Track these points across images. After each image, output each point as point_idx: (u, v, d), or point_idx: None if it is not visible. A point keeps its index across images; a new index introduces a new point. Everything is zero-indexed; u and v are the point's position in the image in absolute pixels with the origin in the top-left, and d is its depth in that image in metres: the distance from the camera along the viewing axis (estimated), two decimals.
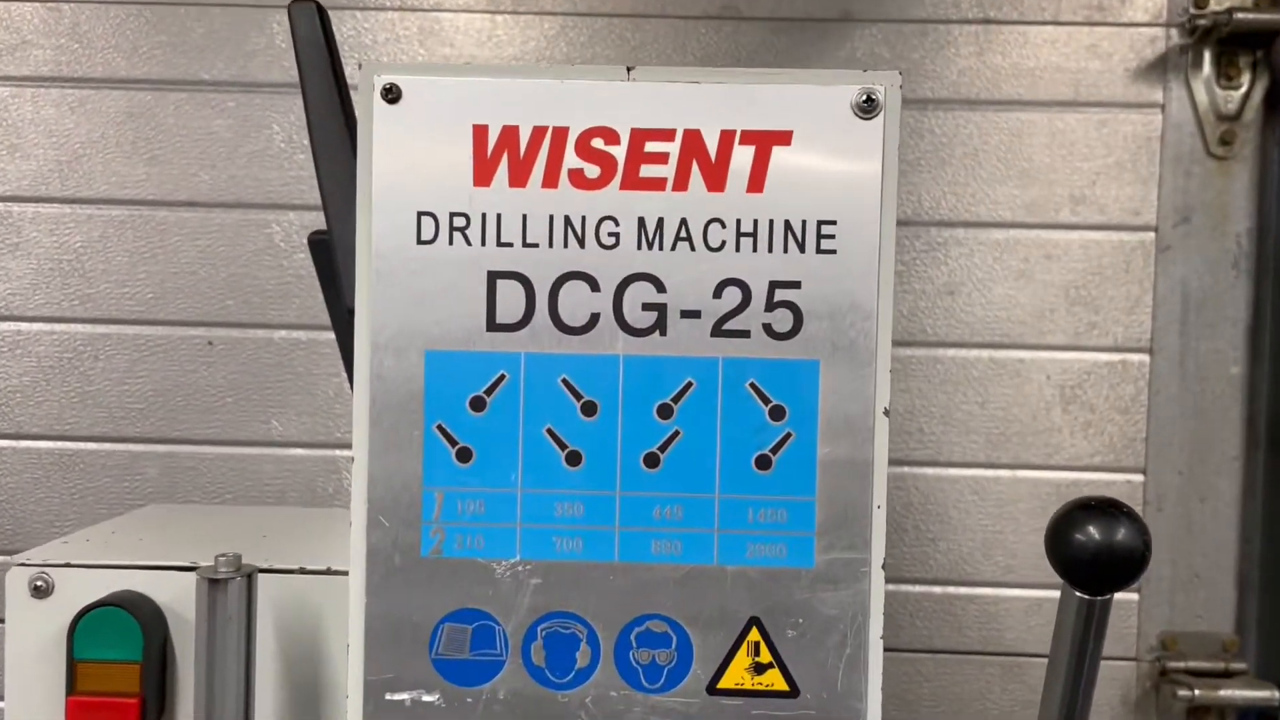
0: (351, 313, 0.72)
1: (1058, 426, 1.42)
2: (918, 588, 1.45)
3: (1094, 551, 0.56)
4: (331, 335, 1.45)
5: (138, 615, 0.64)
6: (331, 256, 0.73)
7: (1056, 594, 1.49)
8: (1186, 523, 1.42)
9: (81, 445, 1.53)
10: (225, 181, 1.45)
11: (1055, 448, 1.42)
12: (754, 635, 0.54)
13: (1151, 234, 1.40)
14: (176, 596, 0.66)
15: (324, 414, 1.46)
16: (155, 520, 0.90)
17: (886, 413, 0.53)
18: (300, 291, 1.46)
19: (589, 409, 0.54)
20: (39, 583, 0.67)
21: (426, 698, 0.54)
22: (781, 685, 0.54)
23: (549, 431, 0.54)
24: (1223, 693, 1.37)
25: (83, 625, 0.64)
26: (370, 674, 0.54)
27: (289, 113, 1.45)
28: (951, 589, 1.44)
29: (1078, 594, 0.59)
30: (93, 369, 1.47)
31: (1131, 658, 1.43)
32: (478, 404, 0.54)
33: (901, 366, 1.42)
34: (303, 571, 0.67)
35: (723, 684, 0.54)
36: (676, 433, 0.54)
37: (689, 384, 0.54)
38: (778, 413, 0.53)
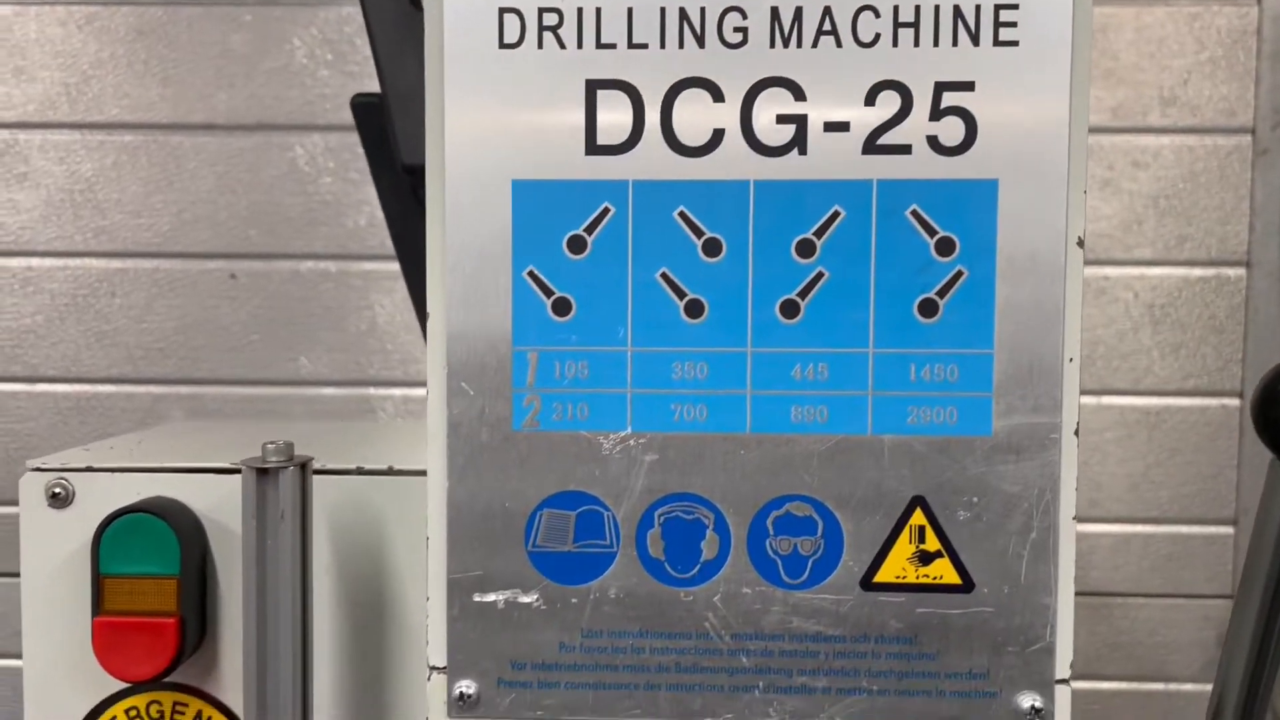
0: (409, 170, 0.62)
1: (1146, 348, 1.32)
2: None
3: None
4: (363, 266, 1.35)
5: (173, 523, 0.55)
6: (380, 118, 0.64)
7: (1145, 530, 1.38)
8: None
9: (99, 388, 1.44)
10: (244, 102, 1.36)
11: (1143, 371, 1.32)
12: (918, 519, 0.44)
13: (1248, 137, 1.29)
14: (217, 504, 0.57)
15: (356, 350, 1.37)
16: (186, 431, 0.81)
17: (1081, 243, 0.44)
18: (327, 219, 1.37)
19: (712, 248, 0.44)
20: (57, 489, 0.57)
21: (523, 598, 0.45)
22: (952, 578, 0.44)
23: (664, 276, 0.44)
24: None
25: (109, 535, 0.55)
26: (454, 572, 0.45)
27: (310, 26, 1.35)
28: None
29: None
30: (109, 306, 1.38)
31: (1226, 595, 1.34)
32: (577, 244, 0.45)
33: None
34: (360, 472, 0.58)
35: (880, 577, 0.45)
36: (820, 274, 0.44)
37: (835, 213, 0.44)
38: (946, 246, 0.44)
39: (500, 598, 0.45)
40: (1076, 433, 0.44)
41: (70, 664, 0.58)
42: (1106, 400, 1.32)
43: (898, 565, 0.45)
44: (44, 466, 0.58)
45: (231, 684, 0.58)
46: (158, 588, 0.55)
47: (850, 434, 0.44)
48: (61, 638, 0.58)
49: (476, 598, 0.45)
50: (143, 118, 1.36)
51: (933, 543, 0.44)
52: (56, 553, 0.58)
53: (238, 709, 0.58)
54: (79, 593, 0.57)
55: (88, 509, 0.57)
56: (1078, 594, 1.37)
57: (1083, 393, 1.40)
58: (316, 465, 0.54)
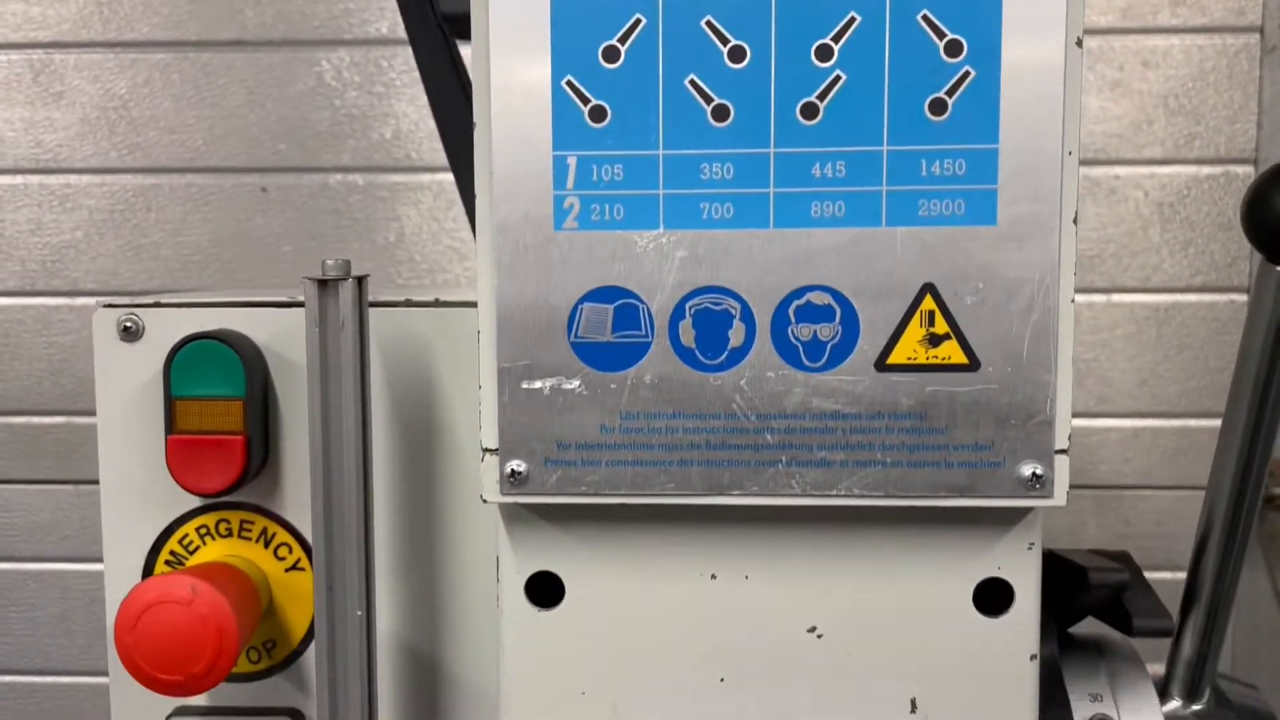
0: (448, 19, 0.66)
1: (1155, 246, 1.35)
2: None
3: None
4: (390, 179, 1.39)
5: (238, 349, 0.59)
6: None
7: (1154, 424, 1.42)
8: None
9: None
10: (271, 18, 1.39)
11: (1153, 269, 1.35)
12: (928, 304, 0.48)
13: (1256, 35, 1.32)
14: (276, 336, 0.62)
15: (384, 259, 1.41)
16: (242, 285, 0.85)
17: (1080, 42, 0.47)
18: (354, 132, 1.40)
19: (737, 54, 0.48)
20: (128, 324, 0.62)
21: (566, 384, 0.49)
22: (960, 358, 0.48)
23: (692, 83, 0.48)
24: None
25: (179, 360, 0.59)
26: (504, 362, 0.49)
27: None
28: None
29: (1278, 269, 0.53)
30: (145, 221, 1.42)
31: None
32: (611, 54, 0.48)
33: None
34: (409, 304, 0.62)
35: (893, 359, 0.49)
36: (837, 77, 0.48)
37: (851, 19, 0.47)
38: (954, 48, 0.47)
39: (546, 384, 0.49)
40: (1075, 221, 0.48)
41: (144, 489, 0.63)
42: (1116, 298, 1.36)
43: (909, 348, 0.48)
44: (115, 303, 0.63)
45: (293, 503, 0.63)
46: (225, 409, 0.60)
47: (866, 227, 0.48)
48: (136, 463, 0.63)
49: (524, 385, 0.50)
50: (173, 35, 1.40)
51: (941, 326, 0.48)
52: (129, 384, 0.62)
53: (299, 526, 0.63)
54: (151, 420, 0.61)
55: (156, 341, 0.61)
56: (1087, 486, 1.41)
57: (1092, 290, 1.43)
58: (369, 299, 0.58)
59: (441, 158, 0.78)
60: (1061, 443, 0.49)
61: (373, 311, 0.60)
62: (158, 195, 1.42)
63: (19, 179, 1.42)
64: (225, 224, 1.42)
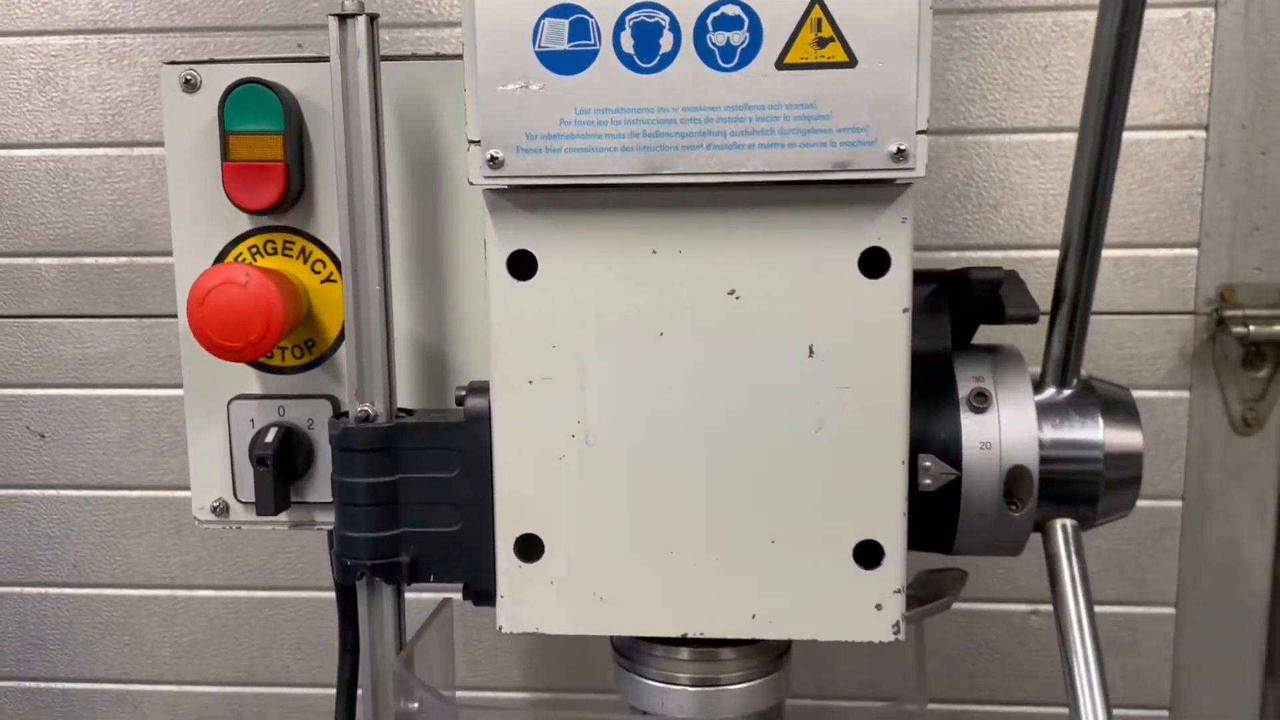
0: None
1: None
2: (979, 253, 1.51)
3: None
4: None
5: (276, 92, 0.73)
6: None
7: (1116, 253, 1.52)
8: (1248, 177, 1.46)
9: None
10: None
11: None
12: (816, 13, 0.61)
13: None
14: (309, 85, 0.75)
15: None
16: None
17: None
18: None
19: None
20: (188, 77, 0.76)
21: (532, 86, 0.63)
22: (841, 56, 0.61)
23: None
24: (1278, 328, 1.42)
25: (231, 101, 0.74)
26: (482, 68, 0.63)
27: None
28: (1014, 253, 1.50)
29: None
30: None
31: (1189, 311, 1.49)
32: None
33: (964, 34, 1.45)
34: (415, 57, 0.75)
35: (789, 59, 0.61)
36: None
37: None
38: None
39: (516, 86, 0.63)
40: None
41: (206, 214, 0.77)
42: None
43: (802, 49, 0.61)
44: (177, 60, 0.77)
45: (326, 225, 0.77)
46: (268, 141, 0.74)
47: None
48: (199, 192, 0.77)
49: (499, 87, 0.63)
50: None
51: (827, 31, 0.61)
52: (191, 127, 0.77)
53: (331, 245, 0.77)
54: (210, 156, 0.76)
55: (212, 91, 0.75)
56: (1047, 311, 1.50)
57: (1061, 130, 1.54)
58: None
59: None
60: (920, 125, 0.62)
61: (384, 65, 0.73)
62: (204, 52, 1.56)
63: (80, 39, 1.57)
64: None
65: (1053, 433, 0.75)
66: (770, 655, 0.74)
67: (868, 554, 0.67)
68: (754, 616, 0.69)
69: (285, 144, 0.73)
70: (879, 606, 0.68)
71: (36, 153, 1.60)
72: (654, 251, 0.66)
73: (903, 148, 0.61)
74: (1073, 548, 0.75)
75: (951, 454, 0.73)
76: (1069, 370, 0.76)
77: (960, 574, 0.80)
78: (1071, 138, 1.48)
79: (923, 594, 0.77)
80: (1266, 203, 1.46)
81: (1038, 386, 0.77)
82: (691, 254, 0.66)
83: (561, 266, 0.66)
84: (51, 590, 1.69)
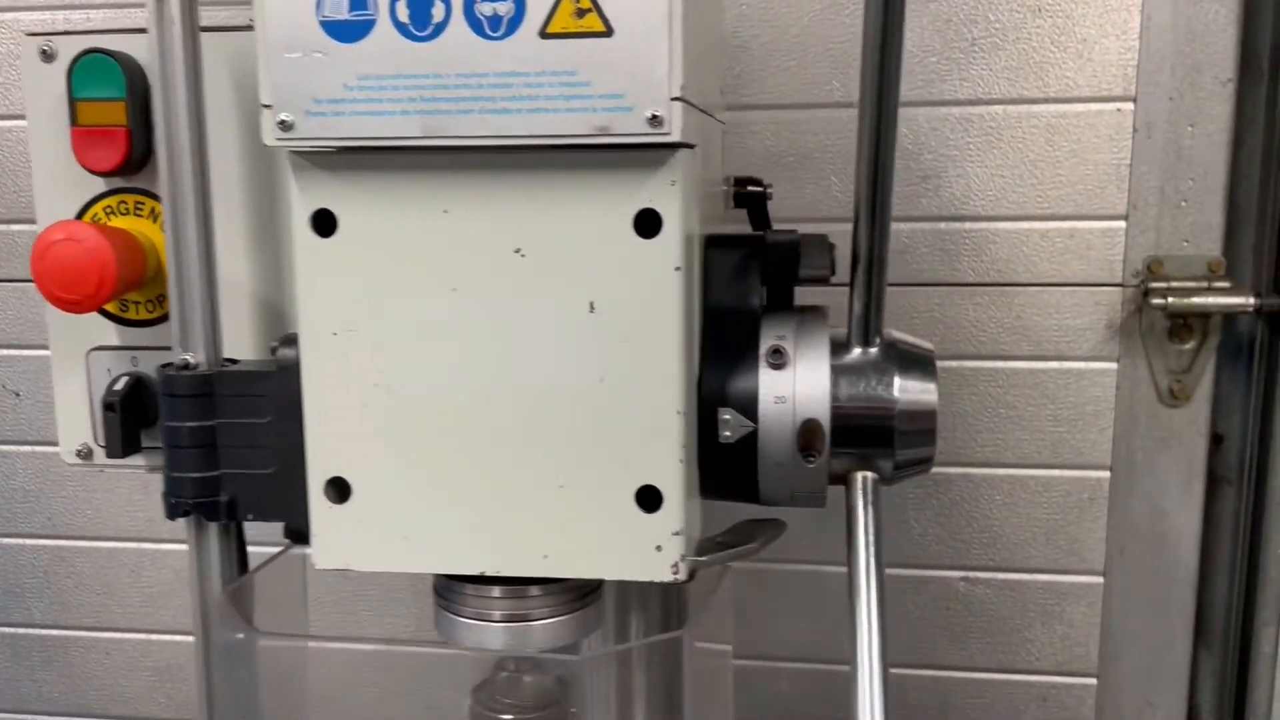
0: None
1: (1054, 61, 1.46)
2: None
3: None
4: None
5: (119, 60, 0.78)
6: None
7: (1042, 226, 1.51)
8: (1176, 149, 1.46)
9: None
10: None
11: (1045, 81, 1.47)
12: None
13: None
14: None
15: None
16: None
17: None
18: None
19: None
20: (45, 48, 0.81)
21: (316, 54, 0.67)
22: (599, 27, 0.65)
23: None
24: (1196, 299, 1.42)
25: (77, 70, 0.79)
26: (271, 36, 0.67)
27: None
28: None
29: None
30: None
31: (1117, 283, 1.50)
32: None
33: None
34: (249, 28, 0.80)
35: (551, 29, 0.65)
36: None
37: None
38: None
39: (302, 54, 0.67)
40: None
41: (64, 175, 0.83)
42: (1013, 108, 1.47)
43: (563, 20, 0.65)
44: (36, 33, 0.82)
45: None
46: (112, 107, 0.79)
47: None
48: (58, 154, 0.82)
49: (286, 55, 0.67)
50: None
51: (585, 2, 0.64)
52: (48, 96, 0.82)
53: None
54: (64, 122, 0.81)
55: (66, 61, 0.81)
56: (983, 284, 1.54)
57: (997, 102, 1.53)
58: (215, 23, 0.76)
59: None
60: (674, 92, 0.65)
61: (217, 35, 0.78)
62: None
63: None
64: None
65: (849, 389, 0.78)
66: (575, 594, 0.78)
67: (648, 499, 0.71)
68: (546, 556, 0.73)
69: (128, 109, 0.78)
70: (659, 548, 0.71)
71: None
72: (445, 211, 0.70)
73: (657, 114, 0.65)
74: (869, 499, 0.78)
75: (749, 408, 0.77)
76: (870, 330, 0.79)
77: (777, 524, 0.84)
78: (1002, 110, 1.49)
79: (732, 540, 0.81)
80: (1194, 175, 1.46)
81: (844, 347, 0.80)
82: (480, 214, 0.70)
83: (360, 225, 0.71)
84: (29, 541, 1.78)
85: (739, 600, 1.62)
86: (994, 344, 1.54)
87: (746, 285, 0.79)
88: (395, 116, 0.67)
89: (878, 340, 0.80)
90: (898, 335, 0.82)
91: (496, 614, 0.78)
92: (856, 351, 0.80)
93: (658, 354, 0.70)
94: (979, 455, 1.57)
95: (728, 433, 0.77)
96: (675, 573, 0.72)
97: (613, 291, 0.70)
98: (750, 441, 0.77)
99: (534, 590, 0.78)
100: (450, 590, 0.78)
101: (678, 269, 0.69)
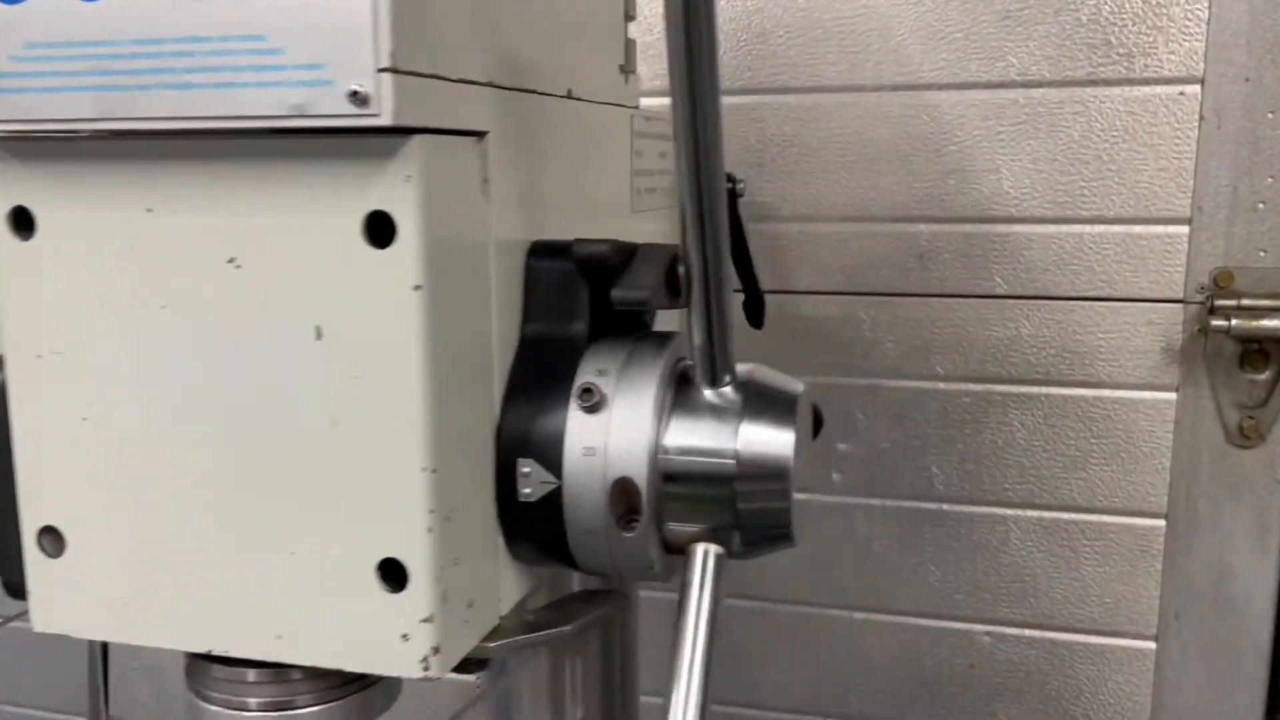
0: None
1: (1104, 37, 1.24)
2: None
3: None
4: None
5: None
6: None
7: (1096, 230, 1.30)
8: (1252, 140, 1.23)
9: None
10: None
11: (1092, 60, 1.25)
12: None
13: None
14: None
15: None
16: None
17: None
18: None
19: None
20: None
21: None
22: None
23: None
24: (1272, 321, 1.19)
25: None
26: None
27: None
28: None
29: None
30: None
31: (1177, 299, 1.28)
32: None
33: None
34: None
35: None
36: None
37: None
38: None
39: None
40: None
41: None
42: (1055, 93, 1.26)
43: None
44: None
45: None
46: None
47: None
48: None
49: None
50: None
51: None
52: None
53: None
54: None
55: None
56: (1016, 297, 1.32)
57: (1035, 85, 1.31)
58: None
59: None
60: (383, 61, 0.50)
61: None
62: None
63: None
64: None
65: (680, 439, 0.62)
66: (346, 676, 0.65)
67: (392, 574, 0.57)
68: (279, 637, 0.59)
69: None
70: (405, 636, 0.57)
71: None
72: (149, 210, 0.57)
73: (359, 89, 0.50)
74: (706, 577, 0.62)
75: (554, 460, 0.61)
76: (717, 366, 0.62)
77: (617, 598, 0.68)
78: None
79: (545, 620, 0.66)
80: (1274, 172, 1.22)
81: (688, 386, 0.64)
82: (187, 214, 0.57)
83: (59, 225, 0.59)
84: None
85: (729, 643, 1.46)
86: (1028, 367, 1.33)
87: (570, 304, 0.64)
88: (65, 93, 0.54)
89: (728, 378, 0.63)
90: (760, 372, 0.65)
91: (252, 702, 0.64)
92: (702, 393, 0.63)
93: (396, 394, 0.55)
94: (1010, 494, 1.36)
95: (528, 489, 0.62)
96: (425, 669, 0.57)
97: (342, 314, 0.55)
98: (557, 500, 0.62)
99: (296, 673, 0.64)
100: (196, 672, 0.65)
101: (417, 288, 0.54)
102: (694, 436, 0.62)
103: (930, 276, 1.34)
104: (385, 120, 0.51)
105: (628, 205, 0.86)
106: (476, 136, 0.59)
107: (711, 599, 0.62)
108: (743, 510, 0.61)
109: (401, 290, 0.54)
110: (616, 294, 0.61)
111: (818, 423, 1.11)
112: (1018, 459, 1.35)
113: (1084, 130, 1.26)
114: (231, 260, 0.56)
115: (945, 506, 1.38)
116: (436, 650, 0.57)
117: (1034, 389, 1.33)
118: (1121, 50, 1.24)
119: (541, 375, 0.63)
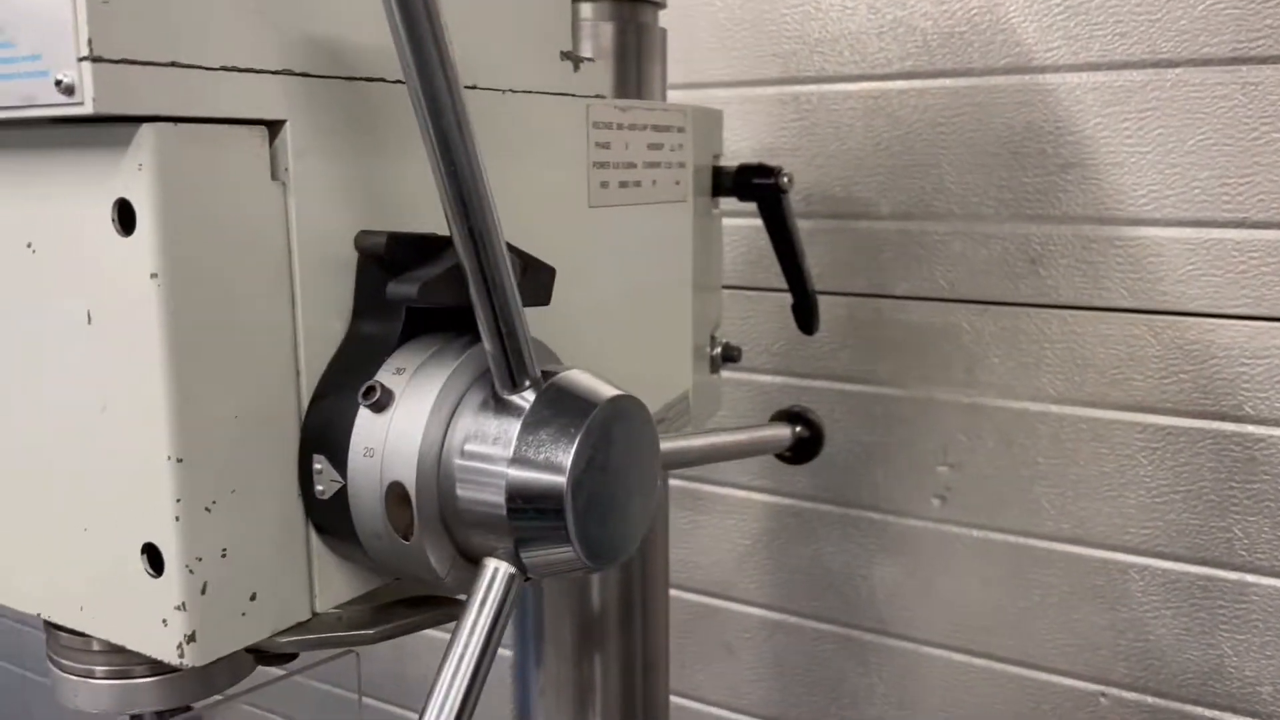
0: None
1: (1250, 5, 1.06)
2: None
3: None
4: None
5: None
6: None
7: (1197, 235, 1.15)
8: None
9: None
10: None
11: (1237, 31, 1.06)
12: None
13: None
14: None
15: None
16: None
17: None
18: None
19: None
20: None
21: None
22: None
23: None
24: None
25: None
26: None
27: None
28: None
29: None
30: None
31: None
32: None
33: None
34: None
35: None
36: None
37: None
38: None
39: None
40: None
41: None
42: (1190, 74, 1.09)
43: None
44: None
45: None
46: None
47: None
48: None
49: None
50: None
51: None
52: None
53: None
54: None
55: None
56: (1140, 311, 1.19)
57: (1165, 65, 1.17)
58: None
59: None
60: (82, 50, 0.50)
61: None
62: None
63: None
64: None
65: (461, 444, 0.58)
66: None
67: (155, 560, 0.58)
68: (81, 608, 0.62)
69: None
70: (165, 621, 0.58)
71: None
72: None
73: (63, 78, 0.51)
74: (491, 598, 0.58)
75: (341, 458, 0.60)
76: (512, 366, 0.58)
77: (451, 606, 0.66)
78: None
79: (356, 623, 0.64)
80: None
81: (489, 389, 0.60)
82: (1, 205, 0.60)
83: None
84: None
85: (823, 673, 1.37)
86: (1155, 394, 1.16)
87: (384, 301, 0.62)
88: None
89: (526, 381, 0.59)
90: (577, 375, 0.60)
91: (98, 669, 0.67)
92: (498, 397, 0.59)
93: (145, 381, 0.55)
94: (1130, 540, 1.20)
95: (320, 487, 0.61)
96: (180, 656, 0.57)
97: (106, 300, 0.56)
98: (345, 500, 0.60)
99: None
100: (50, 640, 0.69)
101: (153, 275, 0.54)
102: (473, 444, 0.58)
103: (1042, 284, 1.19)
104: (88, 109, 0.51)
105: (583, 199, 0.83)
106: (264, 125, 0.58)
107: (492, 621, 0.58)
108: (516, 527, 0.57)
109: (141, 277, 0.54)
110: (390, 289, 0.58)
111: (814, 432, 1.02)
112: (1140, 499, 1.18)
113: (1222, 117, 1.08)
114: (29, 245, 0.59)
115: (1056, 546, 1.23)
116: (191, 638, 0.57)
117: (1161, 419, 1.15)
118: (1268, 20, 1.04)
119: (350, 371, 0.62)
